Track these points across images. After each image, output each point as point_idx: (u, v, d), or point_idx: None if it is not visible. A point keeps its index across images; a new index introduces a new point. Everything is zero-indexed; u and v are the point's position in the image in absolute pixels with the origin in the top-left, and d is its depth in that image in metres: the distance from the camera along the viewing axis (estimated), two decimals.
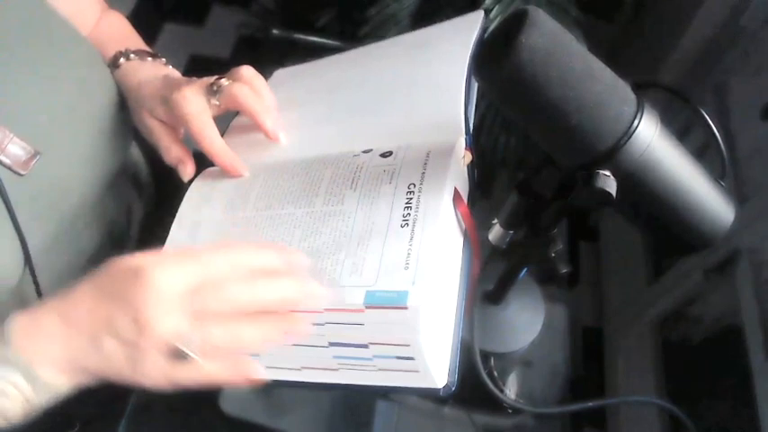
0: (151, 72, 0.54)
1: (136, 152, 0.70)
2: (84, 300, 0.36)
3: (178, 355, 0.34)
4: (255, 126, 0.50)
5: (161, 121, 0.51)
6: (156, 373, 0.35)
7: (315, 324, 0.37)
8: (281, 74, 0.60)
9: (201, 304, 0.34)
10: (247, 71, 0.50)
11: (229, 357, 0.36)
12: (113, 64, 0.56)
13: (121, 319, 0.34)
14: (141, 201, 0.70)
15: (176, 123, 0.50)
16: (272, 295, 0.36)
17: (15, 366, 0.35)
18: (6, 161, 0.44)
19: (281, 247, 0.40)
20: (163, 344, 0.34)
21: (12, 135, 0.45)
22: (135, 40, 0.62)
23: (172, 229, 0.46)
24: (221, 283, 0.35)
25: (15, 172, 0.45)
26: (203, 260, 0.36)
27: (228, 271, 0.36)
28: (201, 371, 0.35)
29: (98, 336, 0.35)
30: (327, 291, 0.36)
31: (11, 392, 0.35)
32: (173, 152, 0.51)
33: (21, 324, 0.36)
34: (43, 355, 0.35)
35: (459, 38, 0.50)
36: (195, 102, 0.48)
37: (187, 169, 0.51)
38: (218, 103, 0.48)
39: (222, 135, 0.51)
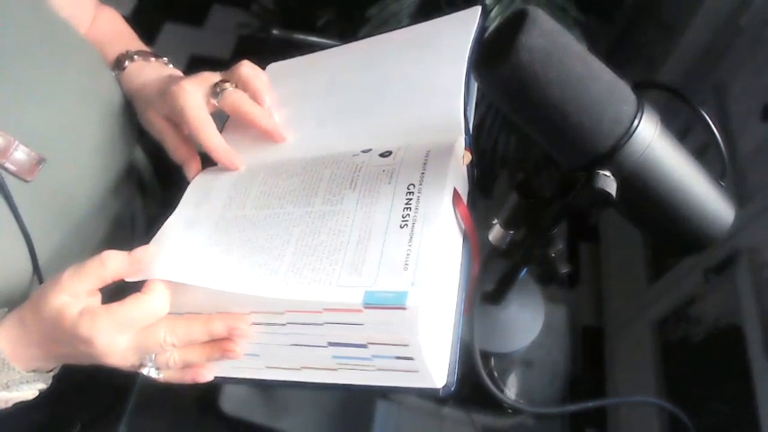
0: (155, 72, 0.54)
1: (139, 153, 0.70)
2: (38, 342, 0.40)
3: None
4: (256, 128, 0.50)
5: (166, 118, 0.51)
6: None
7: (314, 324, 0.37)
8: (274, 68, 0.59)
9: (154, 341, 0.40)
10: (247, 70, 0.50)
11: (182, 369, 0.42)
12: (118, 66, 0.56)
13: (85, 358, 0.40)
14: (145, 202, 0.70)
15: (177, 118, 0.50)
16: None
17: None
18: (12, 168, 0.44)
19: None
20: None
21: (17, 142, 0.44)
22: (133, 39, 0.62)
23: (171, 227, 0.46)
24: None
25: (21, 179, 0.45)
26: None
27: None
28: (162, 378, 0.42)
29: (64, 360, 0.42)
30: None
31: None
32: (179, 151, 0.51)
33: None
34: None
35: (457, 35, 0.49)
36: (193, 95, 0.48)
37: (192, 169, 0.51)
38: (216, 104, 0.49)
39: (221, 131, 0.51)
